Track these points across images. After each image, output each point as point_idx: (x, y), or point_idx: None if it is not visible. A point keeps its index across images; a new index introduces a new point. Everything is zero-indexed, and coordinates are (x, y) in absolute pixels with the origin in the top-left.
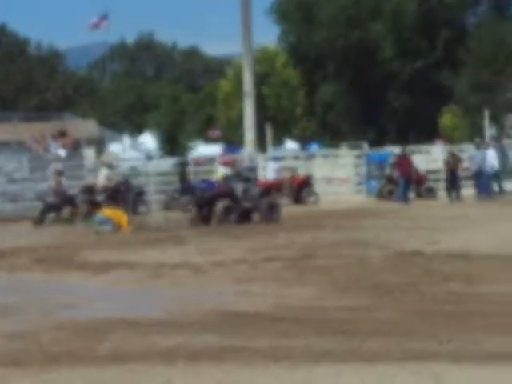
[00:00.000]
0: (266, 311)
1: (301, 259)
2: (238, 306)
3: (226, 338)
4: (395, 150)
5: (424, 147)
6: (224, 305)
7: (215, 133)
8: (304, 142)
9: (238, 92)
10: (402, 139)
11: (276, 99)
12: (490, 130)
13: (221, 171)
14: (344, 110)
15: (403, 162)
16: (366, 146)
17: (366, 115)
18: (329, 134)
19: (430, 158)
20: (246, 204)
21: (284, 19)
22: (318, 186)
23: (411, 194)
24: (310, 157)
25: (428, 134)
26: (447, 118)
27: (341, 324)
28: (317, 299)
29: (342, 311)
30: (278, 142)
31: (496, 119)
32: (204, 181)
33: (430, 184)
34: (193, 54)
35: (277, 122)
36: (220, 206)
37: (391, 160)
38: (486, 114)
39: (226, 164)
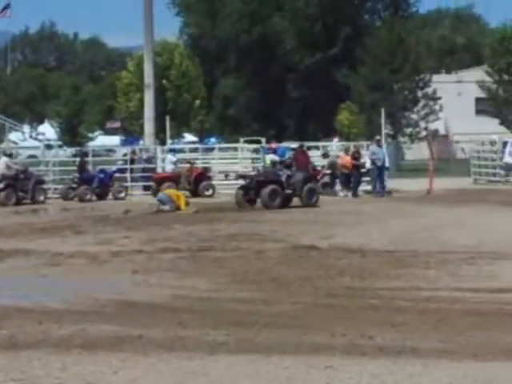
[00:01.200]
0: (163, 302)
1: (198, 251)
2: (135, 296)
3: (123, 328)
4: (293, 145)
5: (321, 143)
6: (121, 295)
7: (115, 124)
8: (203, 135)
9: (138, 84)
10: (301, 135)
11: (176, 92)
12: (385, 128)
13: (269, 158)
14: (244, 104)
15: (300, 157)
16: (263, 141)
17: (265, 109)
18: (228, 127)
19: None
20: (288, 189)
21: (187, 12)
22: (216, 180)
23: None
24: (209, 150)
25: (325, 130)
26: (344, 115)
27: (237, 316)
28: (214, 291)
29: (238, 303)
30: (178, 134)
31: (392, 117)
32: (102, 171)
33: (326, 179)
34: (94, 44)
35: (176, 115)
36: (266, 190)
37: (288, 155)
38: (383, 111)
39: (271, 150)
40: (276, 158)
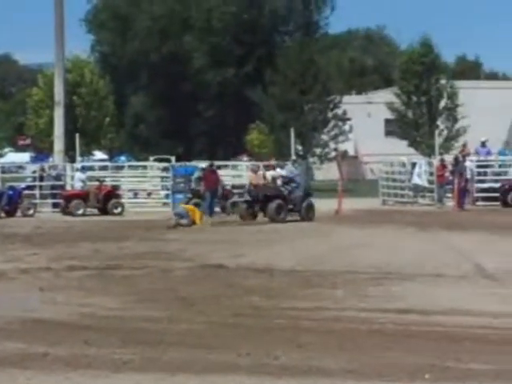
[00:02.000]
0: (69, 319)
1: (105, 269)
2: (42, 314)
3: (29, 345)
4: (202, 164)
5: (231, 162)
6: (28, 312)
7: (26, 141)
8: (113, 153)
9: (48, 101)
10: (211, 154)
11: (86, 109)
12: (295, 148)
13: (270, 174)
14: (154, 121)
15: (210, 177)
16: (173, 159)
17: (176, 127)
18: (138, 145)
19: (235, 173)
20: (290, 204)
21: (99, 29)
22: (125, 198)
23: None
24: (118, 168)
25: (235, 149)
26: (254, 135)
27: (143, 334)
28: (120, 309)
29: (145, 322)
30: (87, 152)
31: (302, 137)
32: (11, 187)
33: (235, 198)
34: (6, 61)
35: (86, 132)
36: (273, 205)
37: (197, 174)
38: (292, 132)
39: (270, 167)
40: (277, 173)
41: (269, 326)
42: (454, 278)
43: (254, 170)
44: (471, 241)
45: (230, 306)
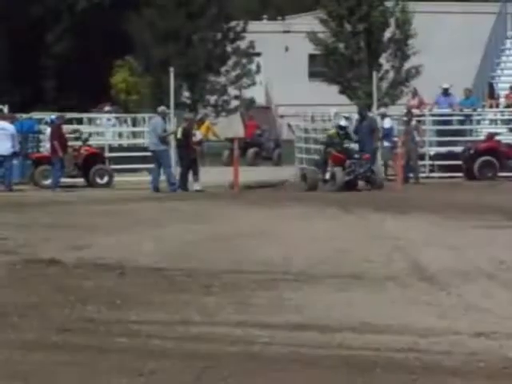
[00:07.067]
0: None
1: None
2: None
3: None
4: (49, 116)
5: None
6: None
7: None
8: None
9: None
10: (63, 102)
11: None
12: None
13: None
14: None
15: (57, 133)
16: (6, 109)
17: (17, 67)
18: None
19: (94, 129)
20: None
21: None
22: None
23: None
24: None
25: (96, 96)
26: (120, 76)
27: None
28: None
29: None
30: None
31: (190, 80)
32: None
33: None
34: None
35: None
36: None
37: (37, 128)
38: (171, 72)
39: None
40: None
41: (105, 346)
42: (378, 281)
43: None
44: (413, 228)
45: (57, 319)
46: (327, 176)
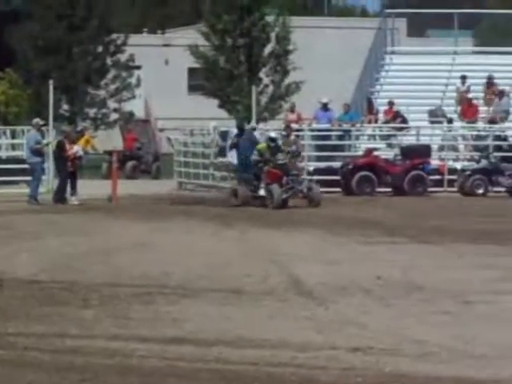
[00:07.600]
0: None
1: None
2: None
3: None
4: None
5: None
6: None
7: None
8: None
9: None
10: None
11: None
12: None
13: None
14: None
15: None
16: None
17: None
18: None
19: None
20: None
21: None
22: None
23: None
24: None
25: None
26: (0, 89)
27: None
28: None
29: None
30: None
31: (70, 93)
32: None
33: None
34: None
35: None
36: None
37: None
38: (51, 85)
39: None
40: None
41: None
42: (257, 295)
43: None
44: (295, 243)
45: None
46: (261, 192)
